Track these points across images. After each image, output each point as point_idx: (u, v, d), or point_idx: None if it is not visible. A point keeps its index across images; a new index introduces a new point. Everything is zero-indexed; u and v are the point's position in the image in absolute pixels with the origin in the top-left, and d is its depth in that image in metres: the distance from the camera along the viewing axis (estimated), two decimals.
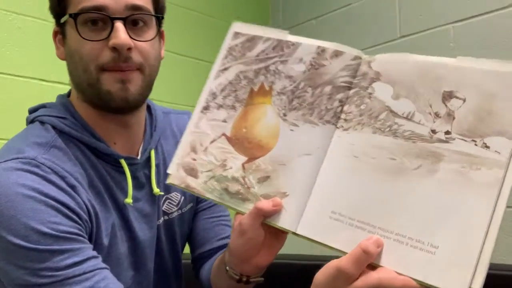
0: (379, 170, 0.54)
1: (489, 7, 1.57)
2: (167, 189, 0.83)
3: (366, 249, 0.50)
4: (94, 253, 0.67)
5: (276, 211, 0.58)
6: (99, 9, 0.69)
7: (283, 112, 0.63)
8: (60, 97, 0.80)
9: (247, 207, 0.60)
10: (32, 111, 0.79)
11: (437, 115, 0.54)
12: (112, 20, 0.70)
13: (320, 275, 0.52)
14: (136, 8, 0.71)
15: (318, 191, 0.57)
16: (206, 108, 0.68)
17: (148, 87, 0.75)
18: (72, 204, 0.67)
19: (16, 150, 0.68)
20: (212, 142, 0.65)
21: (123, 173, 0.76)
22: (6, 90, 1.47)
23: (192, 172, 0.65)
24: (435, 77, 0.55)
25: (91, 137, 0.74)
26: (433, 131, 0.53)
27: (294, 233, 0.57)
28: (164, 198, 0.84)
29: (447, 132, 0.52)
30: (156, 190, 0.80)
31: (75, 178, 0.69)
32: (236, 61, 0.68)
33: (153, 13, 0.75)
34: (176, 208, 0.85)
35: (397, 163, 0.54)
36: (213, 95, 0.68)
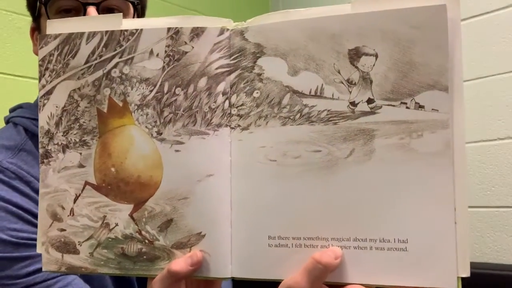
0: (308, 170, 0.44)
1: (489, 7, 1.57)
2: None
3: (320, 259, 0.41)
4: None
5: (197, 269, 0.45)
6: None
7: (156, 130, 0.47)
8: None
9: (160, 267, 0.46)
10: (10, 111, 0.79)
11: (350, 82, 0.43)
12: (84, 6, 0.70)
13: None
14: None
15: (240, 217, 0.45)
16: (45, 156, 0.48)
17: None
18: (36, 210, 0.64)
19: None
20: (76, 199, 0.48)
21: None
22: (6, 90, 1.47)
23: (67, 247, 0.47)
24: (331, 34, 0.43)
25: None
26: (353, 104, 0.43)
27: (232, 278, 0.45)
28: None
29: (370, 101, 0.43)
30: None
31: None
32: (59, 77, 0.48)
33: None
34: None
35: (325, 155, 0.43)
36: (48, 134, 0.48)
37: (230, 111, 0.46)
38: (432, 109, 0.41)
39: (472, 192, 1.56)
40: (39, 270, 0.63)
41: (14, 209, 0.65)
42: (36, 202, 0.67)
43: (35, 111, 0.76)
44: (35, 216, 0.66)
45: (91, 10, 0.70)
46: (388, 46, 0.42)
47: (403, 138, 0.42)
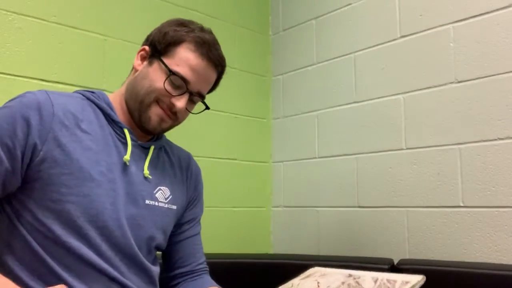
0: None
1: (489, 7, 1.56)
2: (159, 182, 1.04)
3: None
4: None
5: None
6: (186, 80, 0.98)
7: None
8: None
9: None
10: None
11: None
12: (186, 91, 0.98)
13: None
14: (201, 95, 1.03)
15: None
16: None
17: (170, 129, 1.04)
18: (34, 121, 0.87)
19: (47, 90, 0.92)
20: None
21: (125, 143, 0.98)
22: (6, 90, 1.46)
23: None
24: None
25: (108, 107, 0.99)
26: None
27: None
28: (157, 188, 1.03)
29: None
30: (146, 171, 1.00)
31: (66, 116, 0.92)
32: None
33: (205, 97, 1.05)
34: (165, 201, 1.04)
35: None
36: None
37: None
38: None
39: (472, 192, 1.56)
40: None
41: (20, 119, 0.86)
42: (40, 121, 0.88)
43: (94, 90, 1.00)
44: (29, 126, 0.86)
45: (186, 96, 0.97)
46: None
47: None
